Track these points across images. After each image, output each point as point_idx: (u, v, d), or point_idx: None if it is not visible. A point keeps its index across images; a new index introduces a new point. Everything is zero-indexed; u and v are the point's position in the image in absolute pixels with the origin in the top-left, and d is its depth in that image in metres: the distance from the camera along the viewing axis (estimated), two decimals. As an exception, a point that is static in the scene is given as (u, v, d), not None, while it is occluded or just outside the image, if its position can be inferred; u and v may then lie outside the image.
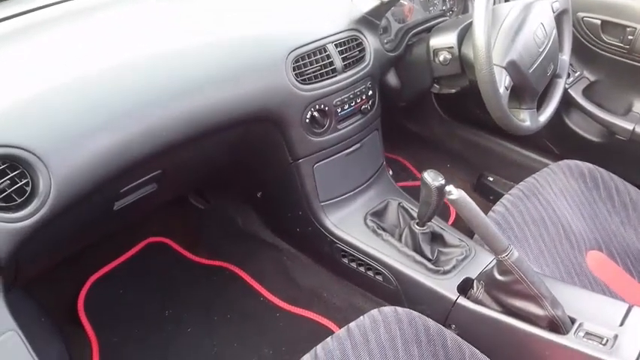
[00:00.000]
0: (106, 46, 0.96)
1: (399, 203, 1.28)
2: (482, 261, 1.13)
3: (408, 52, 1.35)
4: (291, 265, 1.47)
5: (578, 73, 1.56)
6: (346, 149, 1.28)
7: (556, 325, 0.91)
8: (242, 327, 1.38)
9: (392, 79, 1.39)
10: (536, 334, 0.92)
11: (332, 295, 1.40)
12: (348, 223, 1.27)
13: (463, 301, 1.04)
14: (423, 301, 1.12)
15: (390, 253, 1.18)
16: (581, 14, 1.47)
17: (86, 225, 1.09)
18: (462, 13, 1.55)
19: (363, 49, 1.23)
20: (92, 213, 1.03)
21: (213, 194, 1.60)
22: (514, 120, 1.19)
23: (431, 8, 1.47)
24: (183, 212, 1.65)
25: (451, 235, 1.19)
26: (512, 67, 1.16)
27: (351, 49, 1.20)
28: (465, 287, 1.07)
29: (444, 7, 1.50)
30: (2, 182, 0.77)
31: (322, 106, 1.17)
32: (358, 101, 1.24)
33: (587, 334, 0.90)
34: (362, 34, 1.23)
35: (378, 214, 1.28)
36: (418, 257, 1.14)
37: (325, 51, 1.15)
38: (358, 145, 1.30)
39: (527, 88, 1.22)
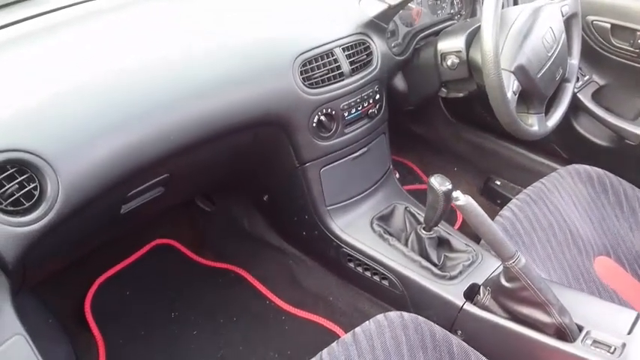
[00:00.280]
0: (114, 49, 0.96)
1: (406, 207, 1.27)
2: (489, 266, 1.12)
3: (416, 55, 1.35)
4: (297, 269, 1.47)
5: (587, 77, 1.54)
6: (353, 153, 1.27)
7: (563, 333, 0.90)
8: (247, 330, 1.39)
9: (399, 82, 1.38)
10: (543, 341, 0.92)
11: (337, 299, 1.40)
12: (354, 228, 1.27)
13: (469, 307, 1.03)
14: (429, 306, 1.11)
15: (396, 258, 1.17)
16: (590, 18, 1.46)
17: (93, 229, 1.10)
18: (470, 16, 1.54)
19: (371, 53, 1.23)
20: (99, 217, 1.03)
21: (219, 197, 1.61)
22: (522, 125, 1.18)
23: (439, 12, 1.46)
24: (190, 214, 1.66)
25: (458, 240, 1.18)
26: (521, 72, 1.15)
27: (359, 53, 1.20)
28: (471, 293, 1.07)
29: (452, 11, 1.50)
30: (10, 186, 0.77)
31: (329, 110, 1.17)
32: (365, 105, 1.23)
33: (595, 342, 0.89)
34: (369, 37, 1.22)
35: (385, 219, 1.28)
36: (424, 262, 1.14)
37: (332, 55, 1.15)
38: (365, 150, 1.29)
39: (536, 93, 1.21)
